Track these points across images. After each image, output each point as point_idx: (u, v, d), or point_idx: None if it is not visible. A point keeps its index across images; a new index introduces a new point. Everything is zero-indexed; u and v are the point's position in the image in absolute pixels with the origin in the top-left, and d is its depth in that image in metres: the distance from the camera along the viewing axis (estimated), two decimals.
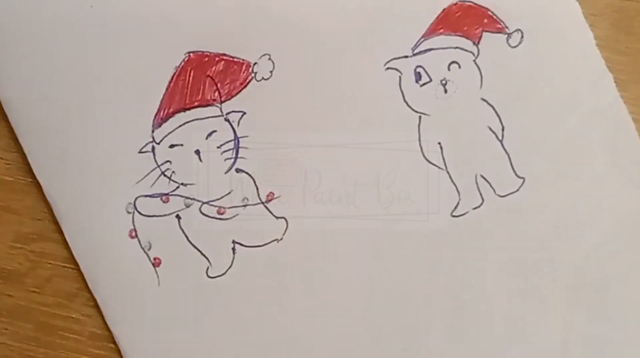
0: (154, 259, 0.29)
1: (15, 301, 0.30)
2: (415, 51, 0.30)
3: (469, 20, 0.30)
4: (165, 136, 0.29)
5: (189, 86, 0.29)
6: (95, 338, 0.29)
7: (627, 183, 0.30)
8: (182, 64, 0.29)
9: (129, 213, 0.29)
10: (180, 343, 0.29)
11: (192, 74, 0.29)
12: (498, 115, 0.30)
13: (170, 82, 0.29)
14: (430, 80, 0.30)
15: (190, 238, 0.29)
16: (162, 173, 0.29)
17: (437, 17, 0.30)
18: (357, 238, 0.29)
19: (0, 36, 0.29)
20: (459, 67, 0.30)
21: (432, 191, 0.30)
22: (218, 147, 0.29)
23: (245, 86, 0.29)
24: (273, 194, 0.29)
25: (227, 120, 0.29)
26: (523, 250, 0.29)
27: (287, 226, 0.29)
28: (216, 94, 0.29)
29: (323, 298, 0.29)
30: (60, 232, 0.29)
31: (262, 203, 0.29)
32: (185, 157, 0.29)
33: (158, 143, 0.29)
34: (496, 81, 0.30)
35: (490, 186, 0.30)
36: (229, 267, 0.29)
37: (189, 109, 0.29)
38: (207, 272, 0.29)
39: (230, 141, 0.29)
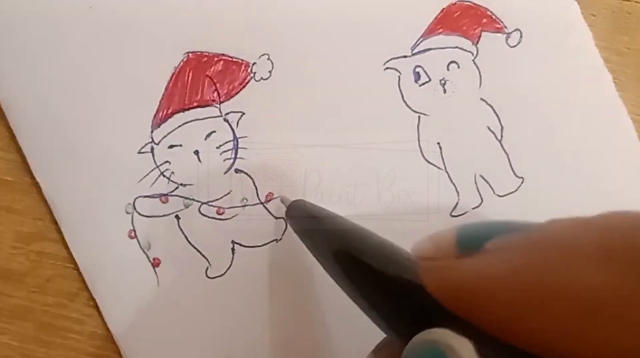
0: (154, 259, 0.29)
1: (15, 301, 0.30)
2: (414, 51, 0.30)
3: (468, 20, 0.30)
4: (165, 136, 0.29)
5: (188, 86, 0.29)
6: (95, 338, 0.29)
7: (627, 184, 0.30)
8: (181, 64, 0.29)
9: (128, 213, 0.29)
10: (180, 343, 0.29)
11: (191, 74, 0.29)
12: (497, 115, 0.30)
13: (169, 82, 0.29)
14: (430, 80, 0.30)
15: (189, 239, 0.29)
16: (162, 173, 0.29)
17: (436, 17, 0.30)
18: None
19: (0, 36, 0.29)
20: (458, 67, 0.30)
21: (432, 191, 0.30)
22: (217, 147, 0.29)
23: (244, 86, 0.29)
24: (272, 194, 0.29)
25: (226, 120, 0.29)
26: None
27: (286, 227, 0.29)
28: (215, 94, 0.29)
29: (323, 298, 0.29)
30: (61, 232, 0.29)
31: (262, 203, 0.29)
32: (185, 157, 0.29)
33: (157, 144, 0.29)
34: (495, 80, 0.30)
35: (490, 186, 0.30)
36: (229, 267, 0.29)
37: (187, 109, 0.29)
38: (206, 272, 0.29)
39: (230, 141, 0.29)
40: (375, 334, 0.29)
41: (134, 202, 0.29)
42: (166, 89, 0.29)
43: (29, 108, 0.29)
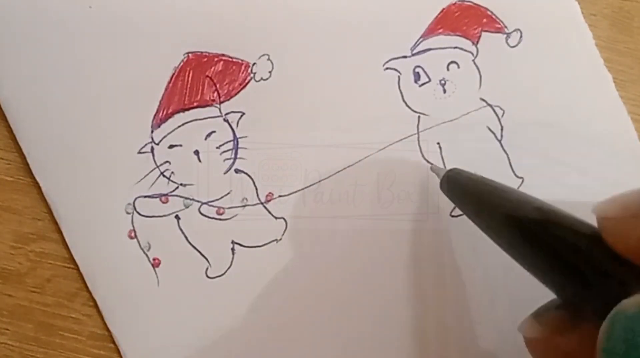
0: (153, 259, 0.29)
1: (15, 301, 0.30)
2: (414, 51, 0.30)
3: (467, 20, 0.30)
4: (165, 136, 0.29)
5: (188, 86, 0.29)
6: (95, 338, 0.29)
7: (627, 184, 0.30)
8: (181, 64, 0.29)
9: (128, 213, 0.29)
10: (180, 344, 0.29)
11: (191, 74, 0.29)
12: (497, 115, 0.30)
13: (169, 82, 0.29)
14: (429, 80, 0.30)
15: (189, 239, 0.29)
16: (162, 173, 0.29)
17: (436, 17, 0.30)
18: (356, 238, 0.29)
19: (0, 36, 0.29)
20: (458, 67, 0.30)
21: (432, 191, 0.30)
22: (217, 147, 0.29)
23: (244, 87, 0.29)
24: (272, 194, 0.29)
25: (226, 120, 0.29)
26: None
27: (286, 227, 0.29)
28: (215, 94, 0.29)
29: (323, 298, 0.29)
30: (60, 232, 0.29)
31: (262, 203, 0.29)
32: (185, 157, 0.29)
33: (157, 144, 0.29)
34: (495, 80, 0.30)
35: None
36: (229, 267, 0.29)
37: (187, 109, 0.29)
38: (206, 272, 0.29)
39: (230, 141, 0.29)
40: (372, 334, 0.29)
41: (134, 202, 0.29)
42: (166, 89, 0.29)
43: (29, 108, 0.29)
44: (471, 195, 0.25)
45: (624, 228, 0.17)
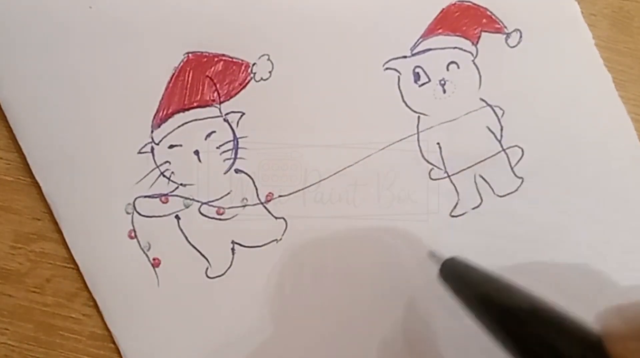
0: (154, 259, 0.29)
1: (15, 301, 0.30)
2: (414, 51, 0.30)
3: (467, 20, 0.30)
4: (165, 136, 0.29)
5: (188, 86, 0.29)
6: (95, 338, 0.29)
7: (626, 183, 0.30)
8: (181, 64, 0.29)
9: (128, 213, 0.29)
10: (180, 343, 0.29)
11: (191, 74, 0.29)
12: (497, 115, 0.30)
13: (169, 82, 0.29)
14: (429, 80, 0.30)
15: (189, 239, 0.29)
16: (162, 173, 0.29)
17: (436, 17, 0.30)
18: (357, 238, 0.29)
19: (0, 36, 0.29)
20: (458, 67, 0.30)
21: (432, 191, 0.30)
22: (217, 147, 0.29)
23: (244, 87, 0.29)
24: (272, 194, 0.29)
25: (226, 120, 0.29)
26: (521, 249, 0.29)
27: (286, 227, 0.29)
28: (215, 94, 0.29)
29: (323, 297, 0.29)
30: (60, 232, 0.29)
31: (262, 203, 0.29)
32: (185, 157, 0.29)
33: (157, 144, 0.29)
34: (495, 81, 0.30)
35: (489, 186, 0.30)
36: (229, 267, 0.29)
37: (188, 109, 0.29)
38: (206, 272, 0.29)
39: (230, 141, 0.29)
40: (371, 334, 0.29)
41: (134, 202, 0.29)
42: (166, 89, 0.29)
43: (29, 108, 0.29)
44: (468, 292, 0.24)
45: (630, 345, 0.17)
